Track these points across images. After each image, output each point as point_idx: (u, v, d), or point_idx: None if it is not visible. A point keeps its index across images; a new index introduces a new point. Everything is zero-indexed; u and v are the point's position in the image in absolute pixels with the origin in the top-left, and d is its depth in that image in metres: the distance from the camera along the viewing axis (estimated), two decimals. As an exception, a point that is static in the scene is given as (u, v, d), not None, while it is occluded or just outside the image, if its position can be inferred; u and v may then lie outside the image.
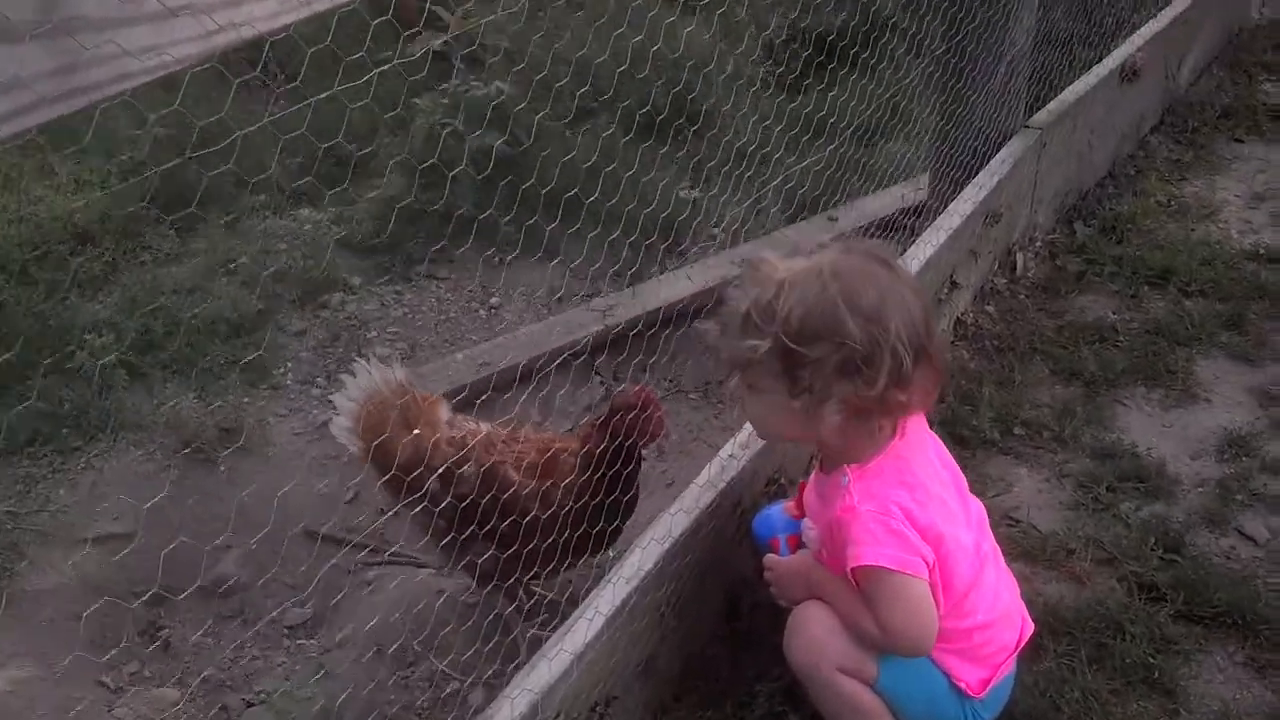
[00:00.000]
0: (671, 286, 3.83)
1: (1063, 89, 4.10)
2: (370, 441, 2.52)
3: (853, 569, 1.98)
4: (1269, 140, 4.87)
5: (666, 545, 2.21)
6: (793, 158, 4.01)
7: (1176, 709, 2.36)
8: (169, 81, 1.20)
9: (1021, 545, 2.76)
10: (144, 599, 2.86)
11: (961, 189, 3.53)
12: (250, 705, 2.68)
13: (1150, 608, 2.58)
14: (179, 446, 3.20)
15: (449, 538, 2.45)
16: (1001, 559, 2.24)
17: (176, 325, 3.58)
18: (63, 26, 1.07)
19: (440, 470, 2.45)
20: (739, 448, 2.48)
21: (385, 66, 1.91)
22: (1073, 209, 4.20)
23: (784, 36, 5.02)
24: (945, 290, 3.43)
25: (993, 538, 2.22)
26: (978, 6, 3.53)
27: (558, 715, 1.96)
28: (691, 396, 3.64)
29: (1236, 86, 5.32)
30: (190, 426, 3.24)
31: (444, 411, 2.60)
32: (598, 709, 2.07)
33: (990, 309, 3.66)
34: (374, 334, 3.88)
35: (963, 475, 2.20)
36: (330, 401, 2.58)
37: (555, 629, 2.10)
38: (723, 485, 2.37)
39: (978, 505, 2.22)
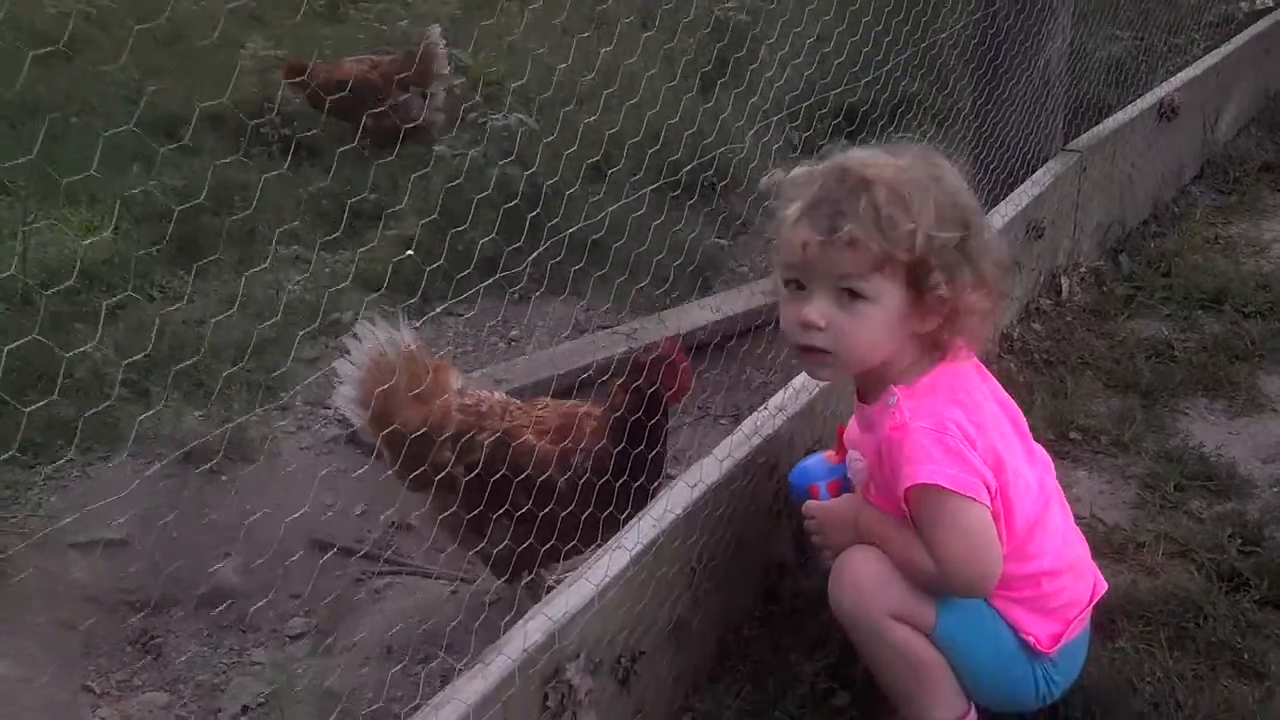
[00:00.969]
0: (697, 314, 3.69)
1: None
2: (377, 416, 2.34)
3: (906, 490, 1.77)
4: (1313, 193, 4.73)
5: (697, 491, 2.01)
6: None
7: (1271, 688, 2.10)
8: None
9: (1087, 539, 2.52)
10: (137, 609, 2.68)
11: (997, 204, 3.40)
12: (246, 709, 2.44)
13: (1232, 595, 2.36)
14: (179, 458, 3.02)
15: (468, 517, 2.22)
16: (1069, 509, 2.03)
17: (182, 347, 3.44)
18: None
19: (452, 437, 2.27)
20: (776, 409, 2.29)
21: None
22: (1116, 243, 4.04)
23: (811, 101, 4.96)
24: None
25: (1059, 486, 2.01)
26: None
27: (579, 653, 1.73)
28: (722, 421, 3.45)
29: (1277, 145, 5.21)
30: (192, 439, 3.07)
31: (455, 379, 2.43)
32: (623, 660, 1.84)
33: (1037, 327, 3.48)
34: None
35: (1023, 418, 2.00)
36: (334, 370, 2.40)
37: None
38: (758, 441, 2.17)
39: (1041, 450, 2.02)
